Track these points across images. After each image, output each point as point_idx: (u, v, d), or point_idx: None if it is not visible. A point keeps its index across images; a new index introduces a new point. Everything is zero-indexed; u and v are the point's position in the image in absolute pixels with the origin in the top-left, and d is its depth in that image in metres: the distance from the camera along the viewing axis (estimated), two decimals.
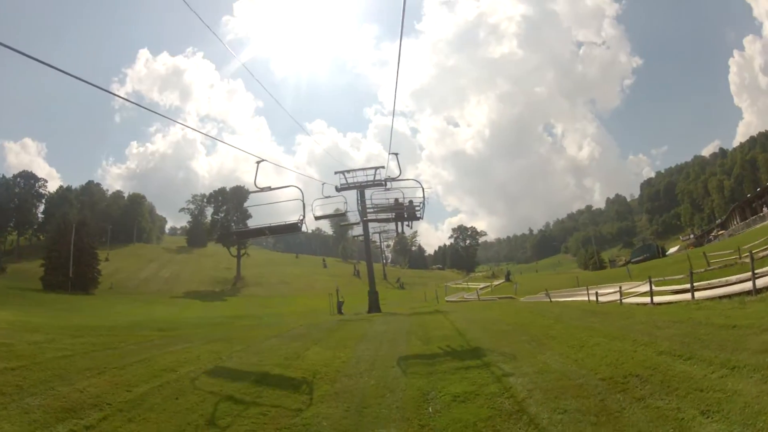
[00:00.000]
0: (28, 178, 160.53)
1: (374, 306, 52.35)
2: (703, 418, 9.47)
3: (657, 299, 27.20)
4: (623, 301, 30.18)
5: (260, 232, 27.60)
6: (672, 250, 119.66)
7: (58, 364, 15.91)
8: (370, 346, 20.95)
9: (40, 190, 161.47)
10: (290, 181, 29.86)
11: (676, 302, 25.59)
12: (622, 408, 10.44)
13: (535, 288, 67.01)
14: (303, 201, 23.87)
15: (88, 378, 14.45)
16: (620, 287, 32.46)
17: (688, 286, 26.50)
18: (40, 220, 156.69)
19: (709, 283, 27.35)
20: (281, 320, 45.24)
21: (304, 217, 23.28)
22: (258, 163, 25.07)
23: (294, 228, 24.93)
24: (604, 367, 13.42)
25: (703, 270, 33.02)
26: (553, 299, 44.31)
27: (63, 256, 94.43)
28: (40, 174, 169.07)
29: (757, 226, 74.52)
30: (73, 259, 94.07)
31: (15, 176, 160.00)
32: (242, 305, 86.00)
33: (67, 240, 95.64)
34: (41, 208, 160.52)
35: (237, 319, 50.04)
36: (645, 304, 27.13)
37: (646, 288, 29.31)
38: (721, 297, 22.88)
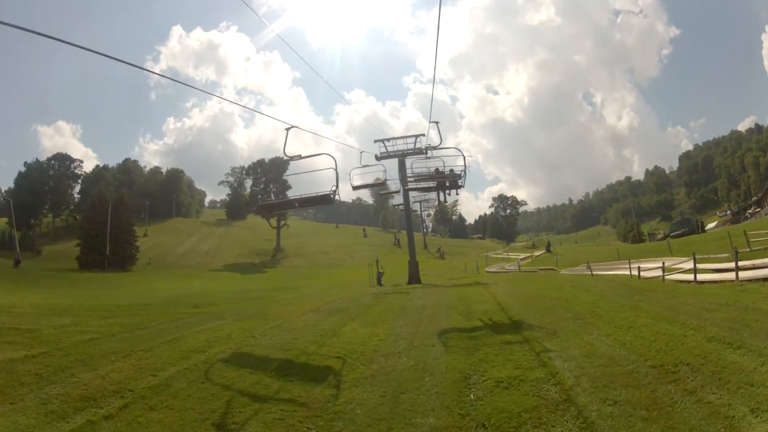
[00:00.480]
0: (62, 159, 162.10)
1: (414, 277, 51.32)
2: (752, 416, 8.91)
3: (700, 277, 26.55)
4: (666, 277, 29.31)
5: (289, 204, 26.90)
6: (710, 225, 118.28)
7: (82, 349, 15.47)
8: (409, 322, 20.15)
9: (76, 171, 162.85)
10: (330, 151, 28.65)
11: (719, 281, 24.92)
12: (673, 402, 9.75)
13: (576, 260, 66.10)
14: (336, 170, 22.13)
15: (112, 362, 13.99)
16: (663, 263, 31.45)
17: (731, 265, 25.82)
18: (76, 200, 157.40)
19: (753, 264, 26.49)
20: (320, 292, 44.95)
21: (337, 187, 21.72)
22: (287, 129, 23.80)
23: (326, 200, 23.11)
24: (654, 352, 12.68)
25: (748, 250, 31.95)
26: (594, 272, 43.43)
27: (99, 235, 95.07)
28: (75, 155, 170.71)
29: None
30: (110, 237, 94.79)
31: (49, 159, 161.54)
32: (282, 277, 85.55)
33: (104, 218, 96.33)
34: (77, 188, 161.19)
35: (275, 292, 50.31)
36: (688, 282, 26.53)
37: (688, 265, 28.59)
38: (765, 279, 22.27)
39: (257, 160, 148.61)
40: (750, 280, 22.75)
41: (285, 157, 23.48)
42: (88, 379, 12.35)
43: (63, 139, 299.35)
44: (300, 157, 23.38)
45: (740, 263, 24.87)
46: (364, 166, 42.03)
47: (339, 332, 18.36)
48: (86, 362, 13.86)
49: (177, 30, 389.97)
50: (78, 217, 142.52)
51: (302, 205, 25.10)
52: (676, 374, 10.98)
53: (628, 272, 35.88)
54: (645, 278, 31.74)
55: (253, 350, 16.01)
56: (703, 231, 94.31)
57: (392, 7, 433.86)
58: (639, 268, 33.35)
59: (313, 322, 21.01)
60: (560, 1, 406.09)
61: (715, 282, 25.06)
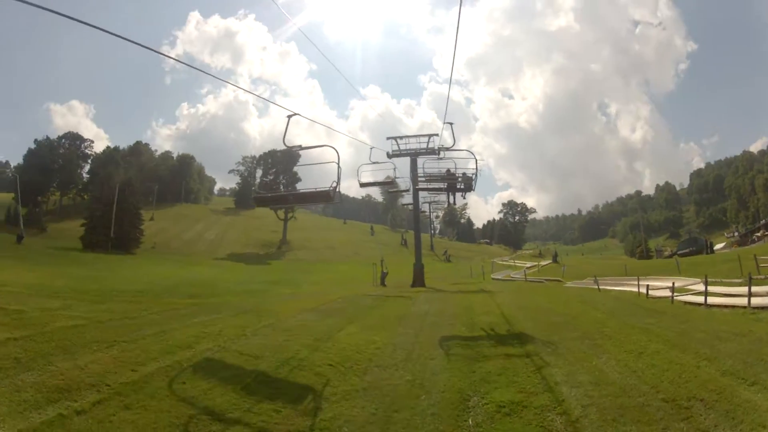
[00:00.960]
0: (73, 138, 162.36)
1: (419, 280, 50.71)
2: None
3: (710, 300, 25.82)
4: (675, 298, 28.42)
5: (283, 199, 25.57)
6: (718, 246, 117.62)
7: (65, 335, 14.84)
8: (410, 331, 19.31)
9: (86, 151, 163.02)
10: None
11: (730, 306, 24.18)
12: None
13: (583, 272, 65.99)
14: (339, 164, 20.12)
15: (93, 352, 13.38)
16: (673, 284, 30.61)
17: (743, 290, 25.16)
18: (84, 180, 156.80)
19: (767, 291, 25.68)
20: (321, 289, 44.33)
21: (338, 184, 20.07)
22: (289, 117, 21.92)
23: (325, 197, 20.98)
24: (666, 384, 11.92)
25: (763, 277, 31.12)
26: (601, 287, 42.78)
27: (105, 216, 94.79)
28: (87, 135, 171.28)
29: None
30: (115, 219, 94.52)
31: (60, 137, 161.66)
32: (285, 270, 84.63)
33: (110, 199, 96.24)
34: (87, 168, 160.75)
35: (277, 286, 49.82)
36: (699, 305, 25.74)
37: (699, 287, 28.08)
38: None
39: (268, 151, 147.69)
40: (763, 308, 21.92)
41: (284, 146, 22.21)
42: (66, 369, 11.74)
43: (75, 118, 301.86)
44: (300, 147, 21.72)
45: (753, 289, 24.18)
46: (374, 163, 41.35)
47: (334, 337, 17.44)
48: (68, 350, 13.29)
49: (195, 16, 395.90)
50: (85, 196, 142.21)
51: (298, 201, 23.63)
52: (689, 410, 10.26)
53: (635, 289, 35.23)
54: (653, 297, 30.98)
55: (242, 350, 15.09)
56: (712, 252, 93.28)
57: (411, 4, 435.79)
58: (648, 286, 32.58)
59: (309, 323, 20.09)
60: (579, 8, 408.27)
61: (726, 307, 24.33)
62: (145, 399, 10.53)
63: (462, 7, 17.71)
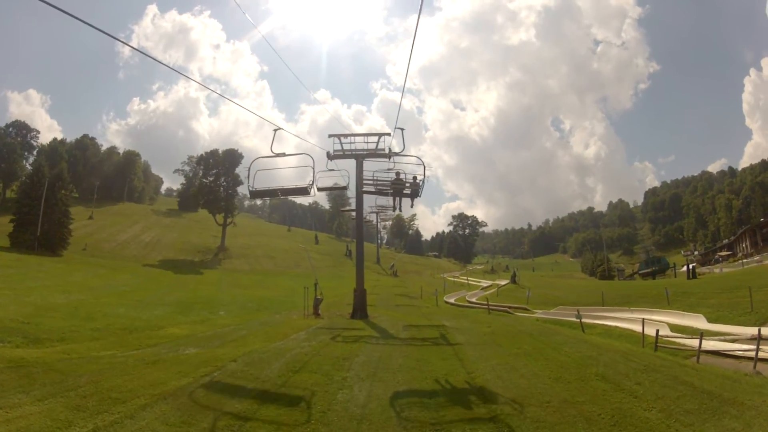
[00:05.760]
0: (20, 128, 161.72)
1: (360, 309, 41.64)
2: None
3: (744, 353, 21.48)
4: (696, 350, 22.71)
5: None
6: (684, 269, 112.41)
7: None
8: None
9: (32, 142, 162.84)
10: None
11: None
12: None
13: (549, 298, 60.75)
14: None
15: None
16: (701, 335, 23.57)
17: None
18: (28, 171, 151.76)
19: None
20: (235, 322, 37.89)
21: None
22: None
23: None
24: None
25: None
26: (584, 320, 36.79)
27: (33, 213, 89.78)
28: (40, 126, 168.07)
29: None
30: (44, 217, 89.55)
31: (7, 125, 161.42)
32: (214, 283, 78.10)
33: (39, 194, 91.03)
34: (32, 160, 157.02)
35: (183, 313, 43.14)
36: (735, 358, 21.77)
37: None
38: None
39: (210, 151, 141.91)
40: None
41: None
42: None
43: (31, 107, 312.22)
44: None
45: None
46: (277, 155, 33.18)
47: None
48: None
49: (152, 9, 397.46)
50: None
51: None
52: None
53: (626, 325, 32.86)
54: (665, 346, 25.34)
55: None
56: (695, 276, 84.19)
57: (365, 11, 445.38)
58: (657, 333, 26.06)
59: None
60: (541, 25, 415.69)
61: None
62: None
63: (419, 16, 16.35)
